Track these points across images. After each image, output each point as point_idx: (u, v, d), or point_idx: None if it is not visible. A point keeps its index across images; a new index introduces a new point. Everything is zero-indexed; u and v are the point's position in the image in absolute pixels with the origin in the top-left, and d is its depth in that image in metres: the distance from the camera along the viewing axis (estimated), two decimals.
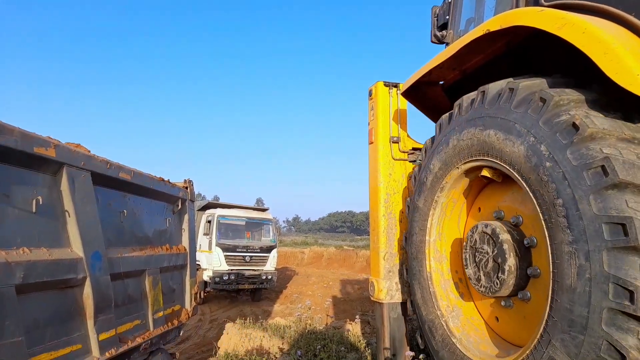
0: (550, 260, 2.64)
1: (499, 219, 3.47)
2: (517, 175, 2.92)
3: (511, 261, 3.11)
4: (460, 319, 3.90)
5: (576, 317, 2.45)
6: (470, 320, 3.91)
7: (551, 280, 2.64)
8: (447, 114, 3.83)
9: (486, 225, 3.29)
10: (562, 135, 2.58)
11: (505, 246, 3.12)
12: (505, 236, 3.17)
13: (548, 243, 2.67)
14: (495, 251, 3.21)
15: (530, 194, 2.80)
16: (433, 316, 3.95)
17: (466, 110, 3.48)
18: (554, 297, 2.62)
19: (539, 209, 2.74)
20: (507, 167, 3.00)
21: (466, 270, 3.57)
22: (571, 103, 2.64)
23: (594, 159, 2.38)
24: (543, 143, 2.69)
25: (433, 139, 4.01)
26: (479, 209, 3.87)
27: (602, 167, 2.34)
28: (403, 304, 4.65)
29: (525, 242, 3.14)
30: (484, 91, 3.28)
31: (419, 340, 4.30)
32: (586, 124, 2.46)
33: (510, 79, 3.13)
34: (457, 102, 3.63)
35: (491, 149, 3.14)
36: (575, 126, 2.50)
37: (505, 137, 2.99)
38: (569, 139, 2.53)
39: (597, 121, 2.48)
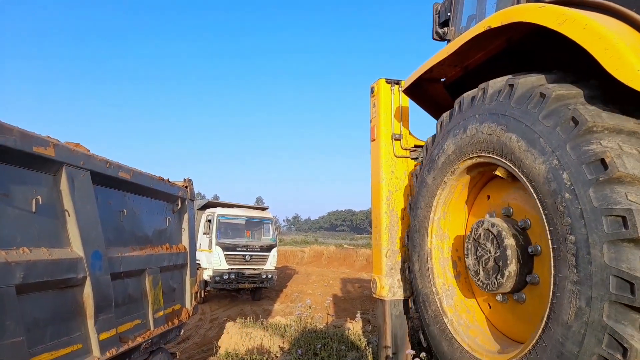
0: (551, 290, 2.64)
1: (507, 216, 3.41)
2: (532, 192, 2.79)
3: (512, 267, 3.10)
4: (454, 298, 3.92)
5: (566, 352, 2.48)
6: (464, 301, 3.93)
7: (548, 309, 2.65)
8: (470, 94, 3.54)
9: (493, 225, 3.24)
10: (588, 168, 2.40)
11: (509, 252, 3.09)
12: (510, 241, 3.12)
13: (552, 273, 2.63)
14: (498, 253, 3.18)
15: (543, 217, 2.69)
16: (428, 291, 3.97)
17: (490, 100, 3.21)
18: (548, 324, 2.64)
19: (549, 236, 2.65)
20: (524, 179, 2.86)
21: (466, 259, 3.57)
22: (605, 131, 2.43)
23: (616, 205, 2.25)
24: (566, 170, 2.51)
25: (451, 114, 3.78)
26: (488, 196, 3.80)
27: (623, 217, 2.22)
28: (405, 301, 4.64)
29: (529, 249, 3.11)
30: (512, 85, 3.02)
31: (411, 306, 4.32)
32: (616, 165, 2.28)
33: (543, 80, 2.88)
34: (482, 85, 3.35)
35: (510, 154, 2.97)
36: (604, 163, 2.32)
37: (527, 149, 2.80)
38: (595, 175, 2.36)
39: (629, 163, 2.30)
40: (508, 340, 3.59)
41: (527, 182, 2.83)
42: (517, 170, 2.93)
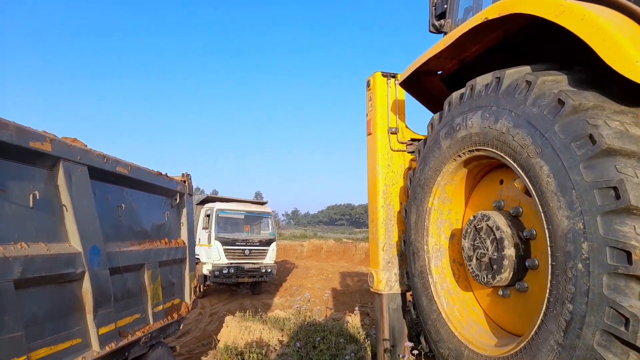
0: (533, 332, 2.70)
1: (515, 216, 3.27)
2: (546, 234, 2.60)
3: (505, 275, 3.13)
4: (443, 261, 3.94)
5: None
6: (451, 265, 3.96)
7: (534, 332, 2.71)
8: (512, 79, 2.99)
9: (497, 228, 3.15)
10: (611, 253, 2.22)
11: (506, 262, 3.09)
12: (510, 251, 3.08)
13: (540, 320, 2.64)
14: (495, 257, 3.18)
15: (549, 265, 2.58)
16: (420, 245, 3.98)
17: (533, 103, 2.72)
18: (533, 344, 2.72)
19: (548, 285, 2.58)
20: (542, 216, 2.63)
21: (463, 239, 3.54)
22: None
23: (625, 303, 2.15)
24: (589, 242, 2.31)
25: (487, 87, 3.21)
26: (502, 181, 3.60)
27: (627, 319, 2.14)
28: (402, 295, 4.65)
29: (527, 263, 3.11)
30: (562, 102, 2.53)
31: (403, 247, 4.30)
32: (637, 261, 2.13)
33: (601, 114, 2.41)
34: (529, 77, 2.82)
35: (537, 182, 2.67)
36: (630, 256, 2.16)
37: (556, 191, 2.51)
38: (616, 263, 2.23)
39: None
40: (489, 321, 3.69)
41: (544, 221, 2.62)
42: (538, 201, 2.67)
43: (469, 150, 3.40)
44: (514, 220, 3.25)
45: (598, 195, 2.28)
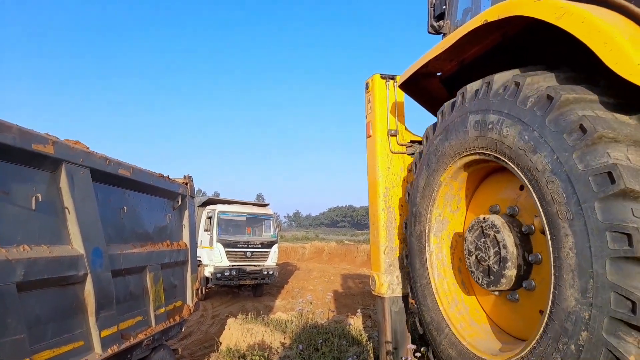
0: (522, 355, 2.74)
1: (527, 235, 3.14)
2: (550, 298, 2.57)
3: (501, 288, 3.14)
4: (443, 232, 3.98)
5: None
6: (451, 235, 3.98)
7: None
8: (567, 106, 2.54)
9: (504, 246, 3.08)
10: (607, 356, 2.25)
11: (504, 280, 3.08)
12: (511, 272, 3.05)
13: (530, 349, 2.67)
14: (495, 269, 3.16)
15: (547, 317, 2.59)
16: (423, 211, 3.98)
17: (581, 158, 2.37)
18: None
19: (541, 331, 2.61)
20: (552, 274, 2.57)
21: (467, 233, 3.48)
22: None
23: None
24: (594, 311, 2.29)
25: (537, 100, 2.69)
26: (522, 187, 3.33)
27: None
28: (404, 298, 4.65)
29: (524, 284, 3.10)
30: (613, 178, 2.22)
31: (407, 198, 4.34)
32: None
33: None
34: (583, 121, 2.39)
35: (557, 241, 2.53)
36: (634, 310, 2.13)
37: (573, 268, 2.40)
38: (619, 321, 2.22)
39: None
40: (476, 305, 3.72)
41: (552, 284, 2.56)
42: (552, 263, 2.57)
43: (495, 157, 3.08)
44: (523, 237, 3.12)
45: (614, 299, 2.20)
